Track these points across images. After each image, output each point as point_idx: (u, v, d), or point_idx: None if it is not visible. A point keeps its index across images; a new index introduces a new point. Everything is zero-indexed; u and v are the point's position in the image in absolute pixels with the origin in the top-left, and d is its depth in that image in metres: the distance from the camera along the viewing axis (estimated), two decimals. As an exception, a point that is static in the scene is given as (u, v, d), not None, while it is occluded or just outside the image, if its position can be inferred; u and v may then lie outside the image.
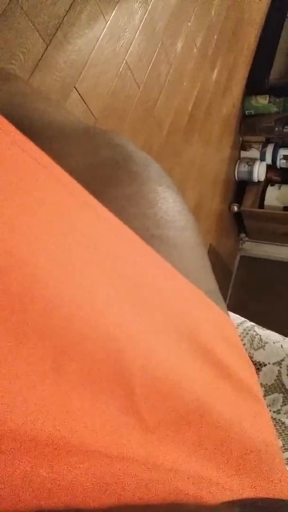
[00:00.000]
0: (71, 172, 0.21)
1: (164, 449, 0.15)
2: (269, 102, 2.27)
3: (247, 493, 0.17)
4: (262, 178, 2.39)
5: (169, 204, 0.23)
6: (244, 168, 2.39)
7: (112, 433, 0.13)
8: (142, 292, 0.17)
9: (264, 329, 0.68)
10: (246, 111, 2.35)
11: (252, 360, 0.62)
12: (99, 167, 0.22)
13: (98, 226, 0.17)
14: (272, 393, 0.60)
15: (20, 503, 0.11)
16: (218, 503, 0.15)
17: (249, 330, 0.66)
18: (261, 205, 2.42)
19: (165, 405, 0.15)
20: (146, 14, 1.40)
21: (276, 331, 0.68)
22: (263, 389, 0.61)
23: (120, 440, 0.13)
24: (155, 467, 0.14)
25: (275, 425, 0.57)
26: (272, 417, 0.58)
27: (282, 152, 2.36)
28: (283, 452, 0.54)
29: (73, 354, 0.13)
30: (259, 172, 2.35)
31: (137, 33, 1.37)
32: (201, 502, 0.14)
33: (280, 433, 0.56)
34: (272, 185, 2.44)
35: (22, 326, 0.12)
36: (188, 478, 0.15)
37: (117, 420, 0.13)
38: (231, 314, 0.70)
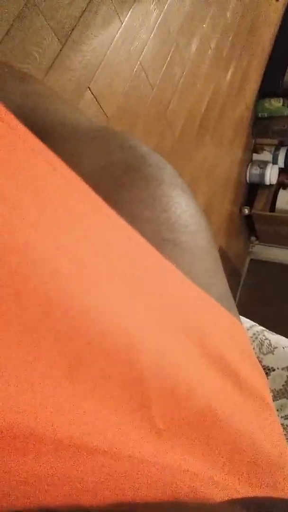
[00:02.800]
0: (84, 173, 0.21)
1: (173, 452, 0.15)
2: (283, 105, 2.26)
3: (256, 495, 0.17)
4: (274, 181, 2.37)
5: (183, 208, 0.23)
6: (256, 171, 2.37)
7: (122, 435, 0.13)
8: (157, 299, 0.17)
9: (274, 333, 0.67)
10: (259, 114, 2.34)
11: (261, 365, 0.62)
12: (112, 169, 0.22)
13: (112, 231, 0.17)
14: (281, 398, 0.59)
15: (29, 500, 0.11)
16: (221, 502, 0.15)
17: (259, 334, 0.66)
18: (273, 208, 2.40)
19: (177, 410, 0.15)
20: (161, 15, 1.40)
21: (285, 336, 0.67)
22: (272, 394, 0.60)
23: (130, 442, 0.13)
24: (164, 467, 0.14)
25: (284, 430, 0.56)
26: (280, 423, 0.57)
27: (295, 155, 2.34)
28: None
29: (89, 359, 0.13)
30: (271, 175, 2.34)
31: (152, 34, 1.38)
32: (207, 501, 0.14)
33: (288, 439, 0.55)
34: (284, 188, 2.42)
35: (42, 329, 0.12)
36: (196, 479, 0.15)
37: (128, 423, 0.13)
38: (241, 318, 0.70)
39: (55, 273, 0.13)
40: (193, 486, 0.15)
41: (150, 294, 0.17)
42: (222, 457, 0.17)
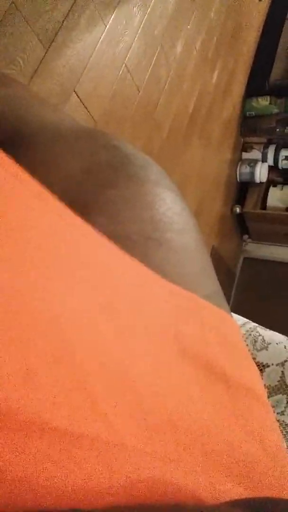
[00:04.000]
0: (68, 174, 0.21)
1: (144, 452, 0.15)
2: (270, 103, 2.27)
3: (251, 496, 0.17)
4: (264, 179, 2.38)
5: (168, 206, 0.22)
6: (245, 169, 2.38)
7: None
8: (122, 297, 0.17)
9: (267, 329, 0.67)
10: (247, 112, 2.35)
11: (255, 361, 0.61)
12: (96, 169, 0.22)
13: (71, 233, 0.17)
14: (276, 394, 0.59)
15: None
16: (218, 503, 0.14)
17: (252, 331, 0.66)
18: (264, 206, 2.41)
19: (136, 414, 0.15)
20: (145, 17, 1.41)
21: (279, 332, 0.67)
22: (267, 390, 0.60)
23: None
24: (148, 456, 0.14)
25: (279, 427, 0.56)
26: (277, 419, 0.57)
27: (284, 153, 2.36)
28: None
29: (41, 362, 0.13)
30: (261, 173, 2.35)
31: (136, 37, 1.38)
32: (200, 502, 0.14)
33: (284, 434, 0.55)
34: (274, 186, 2.43)
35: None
36: (187, 476, 0.15)
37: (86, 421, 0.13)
38: (234, 315, 0.70)
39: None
40: (182, 483, 0.14)
41: (118, 298, 0.17)
42: (203, 459, 0.16)
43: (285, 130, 2.28)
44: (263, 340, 0.64)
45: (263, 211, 2.39)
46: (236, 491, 0.17)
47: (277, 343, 0.63)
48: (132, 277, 0.18)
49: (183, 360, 0.18)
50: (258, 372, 0.23)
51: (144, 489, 0.13)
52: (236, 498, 0.16)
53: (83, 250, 0.17)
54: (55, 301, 0.14)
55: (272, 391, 0.60)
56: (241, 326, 0.67)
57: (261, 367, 0.61)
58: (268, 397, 0.60)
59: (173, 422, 0.16)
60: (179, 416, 0.16)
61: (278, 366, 0.60)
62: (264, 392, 0.22)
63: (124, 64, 1.34)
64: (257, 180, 2.36)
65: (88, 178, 0.21)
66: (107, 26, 1.24)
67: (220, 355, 0.20)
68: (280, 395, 0.59)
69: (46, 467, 0.11)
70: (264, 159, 2.40)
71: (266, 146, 2.41)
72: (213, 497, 0.15)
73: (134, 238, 0.20)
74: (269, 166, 2.41)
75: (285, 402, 0.58)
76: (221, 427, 0.18)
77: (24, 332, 0.13)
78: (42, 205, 0.16)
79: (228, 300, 0.24)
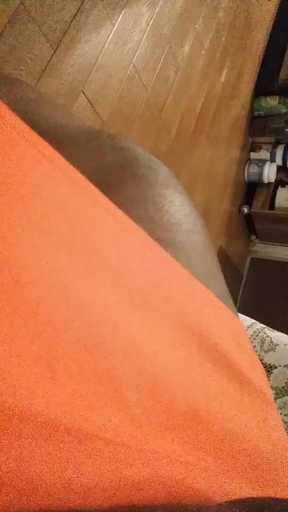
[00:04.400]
0: None
1: (162, 448, 0.15)
2: (279, 102, 2.26)
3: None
4: (272, 179, 2.37)
5: (176, 207, 0.22)
6: (254, 169, 2.37)
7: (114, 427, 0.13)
8: (146, 291, 0.17)
9: (275, 331, 0.67)
10: (256, 112, 2.34)
11: (262, 363, 0.61)
12: (105, 170, 0.22)
13: (105, 221, 0.17)
14: (283, 395, 0.59)
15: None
16: (219, 503, 0.14)
17: (259, 332, 0.65)
18: (272, 206, 2.40)
19: (158, 408, 0.15)
20: (153, 17, 1.41)
21: (287, 333, 0.67)
22: (274, 391, 0.60)
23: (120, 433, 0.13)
24: (159, 461, 0.14)
25: (286, 428, 0.56)
26: (283, 420, 0.57)
27: (293, 153, 2.34)
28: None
29: (65, 358, 0.13)
30: (269, 173, 2.34)
31: (144, 36, 1.38)
32: (202, 498, 0.14)
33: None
34: (282, 186, 2.42)
35: (17, 323, 0.12)
36: (194, 476, 0.15)
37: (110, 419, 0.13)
38: (241, 316, 0.69)
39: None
40: (192, 482, 0.14)
41: (146, 287, 0.17)
42: (212, 455, 0.16)
43: (294, 130, 2.26)
44: (271, 342, 0.63)
45: (271, 212, 2.38)
46: (248, 491, 0.17)
47: (284, 345, 0.62)
48: (161, 265, 0.19)
49: (206, 359, 0.18)
50: (265, 373, 0.23)
51: (159, 489, 0.13)
52: (236, 497, 0.16)
53: (107, 234, 0.17)
54: (83, 289, 0.14)
55: (279, 392, 0.59)
56: (248, 327, 0.67)
57: (268, 368, 0.61)
58: (275, 398, 0.59)
59: (193, 419, 0.16)
60: (200, 413, 0.16)
61: (285, 368, 0.60)
62: (271, 394, 0.22)
63: (132, 64, 1.34)
64: (265, 180, 2.35)
65: (97, 180, 0.21)
66: (115, 26, 1.24)
67: (234, 355, 0.20)
68: (287, 397, 0.58)
69: (62, 468, 0.12)
70: (272, 159, 2.38)
71: (274, 146, 2.39)
72: (224, 498, 0.15)
73: None
74: (277, 166, 2.40)
75: (292, 404, 0.57)
76: (240, 426, 0.18)
77: (48, 327, 0.13)
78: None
79: (235, 301, 0.24)
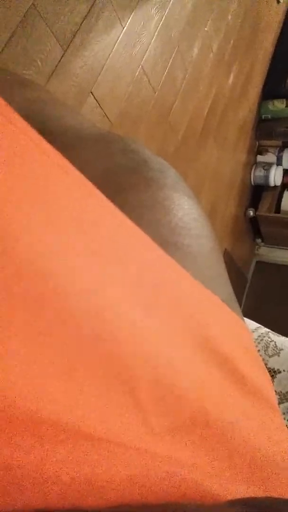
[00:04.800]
0: (86, 178, 0.21)
1: (171, 450, 0.15)
2: (287, 106, 2.25)
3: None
4: (278, 182, 2.36)
5: (185, 211, 0.22)
6: (260, 172, 2.37)
7: (121, 431, 0.13)
8: (158, 295, 0.17)
9: (279, 335, 0.67)
10: (263, 115, 2.34)
11: (266, 367, 0.61)
12: (114, 173, 0.22)
13: (108, 220, 0.17)
14: (287, 400, 0.58)
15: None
16: (220, 502, 0.15)
17: (264, 336, 0.65)
18: (278, 210, 2.39)
19: (170, 411, 0.15)
20: (163, 19, 1.41)
21: (291, 338, 0.66)
22: (278, 396, 0.59)
23: (127, 435, 0.14)
24: (166, 461, 0.14)
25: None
26: (287, 426, 0.56)
27: (299, 156, 2.33)
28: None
29: (82, 361, 0.13)
30: (276, 176, 2.33)
31: (153, 39, 1.38)
32: (211, 499, 0.14)
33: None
34: (288, 189, 2.41)
35: (43, 328, 0.12)
36: (200, 475, 0.15)
37: (121, 421, 0.14)
38: (246, 320, 0.69)
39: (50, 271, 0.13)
40: (197, 481, 0.15)
41: (154, 291, 0.17)
42: (219, 458, 0.16)
43: (301, 133, 2.26)
44: (275, 346, 0.63)
45: (277, 215, 2.37)
46: (252, 493, 0.17)
47: (289, 349, 0.62)
48: (170, 272, 0.19)
49: (212, 363, 0.18)
50: (270, 378, 0.23)
51: (170, 489, 0.13)
52: (238, 497, 0.16)
53: (115, 237, 0.17)
54: (99, 291, 0.14)
55: (283, 397, 0.59)
56: (253, 331, 0.66)
57: (273, 373, 0.61)
58: (279, 403, 0.59)
59: (203, 423, 0.16)
60: (209, 418, 0.16)
61: (289, 373, 0.60)
62: (275, 398, 0.22)
63: (140, 66, 1.34)
64: (272, 183, 2.34)
65: (106, 182, 0.21)
66: (125, 28, 1.24)
67: (240, 359, 0.20)
68: (291, 402, 0.58)
69: (79, 469, 0.12)
70: (279, 163, 2.37)
71: (281, 149, 2.39)
72: (230, 497, 0.15)
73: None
74: (284, 169, 2.39)
75: (296, 409, 0.57)
76: (245, 430, 0.18)
77: (65, 330, 0.13)
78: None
79: (239, 304, 0.24)
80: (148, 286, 0.17)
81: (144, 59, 1.35)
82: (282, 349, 0.62)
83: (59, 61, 1.05)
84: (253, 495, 0.17)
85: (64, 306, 0.13)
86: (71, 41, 1.07)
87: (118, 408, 0.13)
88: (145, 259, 0.18)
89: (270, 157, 2.40)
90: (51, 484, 0.11)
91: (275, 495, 0.18)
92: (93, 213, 0.16)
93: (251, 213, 2.40)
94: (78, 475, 0.12)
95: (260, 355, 0.62)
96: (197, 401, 0.16)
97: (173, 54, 1.51)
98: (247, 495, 0.16)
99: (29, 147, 0.16)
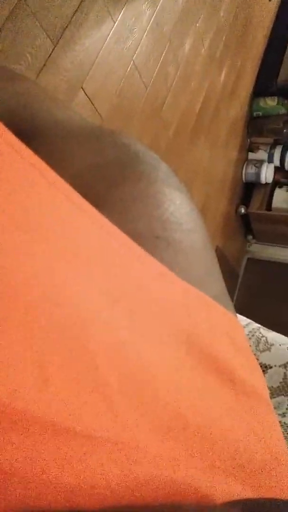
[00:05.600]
0: (77, 171, 0.21)
1: (154, 452, 0.14)
2: (278, 103, 2.26)
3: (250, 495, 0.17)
4: (270, 180, 2.37)
5: (176, 206, 0.22)
6: (251, 169, 2.38)
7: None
8: (136, 296, 0.17)
9: (270, 331, 0.67)
10: (254, 113, 2.34)
11: (257, 362, 0.61)
12: (105, 167, 0.22)
13: (91, 229, 0.17)
14: (278, 395, 0.59)
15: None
16: (217, 503, 0.14)
17: (255, 332, 0.65)
18: (269, 207, 2.40)
19: (148, 413, 0.15)
20: (154, 15, 1.40)
21: (282, 333, 0.67)
22: (269, 391, 0.60)
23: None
24: (159, 461, 0.14)
25: (282, 429, 0.56)
26: (278, 420, 0.57)
27: (290, 154, 2.35)
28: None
29: (56, 362, 0.13)
30: (267, 174, 2.34)
31: (145, 34, 1.38)
32: (207, 501, 0.14)
33: (285, 436, 0.55)
34: (280, 187, 2.42)
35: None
36: (196, 477, 0.15)
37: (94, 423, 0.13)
38: (237, 315, 0.69)
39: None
40: (184, 480, 0.14)
41: (132, 292, 0.17)
42: (208, 458, 0.16)
43: (292, 131, 2.27)
44: (266, 341, 0.63)
45: (268, 212, 2.38)
46: (243, 492, 0.17)
47: (280, 345, 0.63)
48: (148, 272, 0.18)
49: (194, 360, 0.18)
50: (262, 373, 0.23)
51: (156, 489, 0.13)
52: (238, 498, 0.16)
53: (96, 243, 0.17)
54: (74, 298, 0.14)
55: (274, 392, 0.59)
56: (244, 327, 0.67)
57: (264, 368, 0.61)
58: (270, 398, 0.60)
59: (185, 422, 0.16)
60: (191, 416, 0.16)
61: (281, 368, 0.60)
62: (267, 394, 0.22)
63: (132, 61, 1.34)
64: (263, 180, 2.35)
65: (97, 176, 0.21)
66: (116, 23, 1.24)
67: (228, 356, 0.20)
68: (282, 397, 0.58)
69: (55, 467, 0.12)
70: (270, 160, 2.39)
71: (272, 146, 2.40)
72: (222, 498, 0.15)
73: (143, 236, 0.20)
74: (275, 167, 2.40)
75: (287, 403, 0.58)
76: (229, 428, 0.18)
77: (41, 333, 0.13)
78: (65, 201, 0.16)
79: (231, 301, 0.24)
80: (128, 289, 0.17)
81: (135, 54, 1.35)
82: (273, 344, 0.63)
83: (49, 55, 1.04)
84: (245, 495, 0.17)
85: (33, 299, 0.13)
86: (61, 36, 1.06)
87: (96, 408, 0.13)
88: (125, 265, 0.18)
89: (262, 155, 2.41)
90: (38, 482, 0.11)
91: (267, 494, 0.18)
92: (66, 218, 0.16)
93: (243, 210, 2.41)
94: (68, 471, 0.11)
95: (252, 351, 0.62)
96: (174, 402, 0.16)
97: (165, 50, 1.50)
98: (238, 495, 0.16)
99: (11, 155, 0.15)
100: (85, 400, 0.13)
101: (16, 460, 0.11)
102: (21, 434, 0.11)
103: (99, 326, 0.14)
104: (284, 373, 0.60)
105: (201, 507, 0.14)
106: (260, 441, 0.19)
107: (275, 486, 0.19)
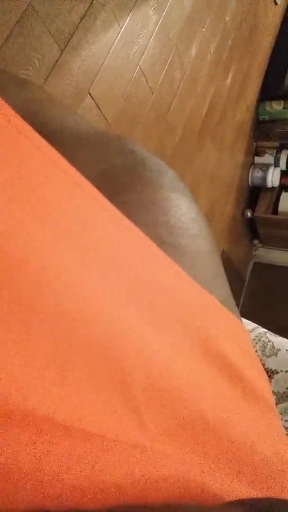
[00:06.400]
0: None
1: (167, 452, 0.15)
2: (284, 107, 2.26)
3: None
4: (276, 184, 2.37)
5: (183, 211, 0.22)
6: (258, 173, 2.37)
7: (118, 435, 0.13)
8: (154, 297, 0.17)
9: (277, 336, 0.67)
10: (260, 117, 2.34)
11: (263, 367, 0.61)
12: (111, 173, 0.22)
13: (110, 226, 0.17)
14: (284, 401, 0.58)
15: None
16: (220, 503, 0.14)
17: (261, 336, 0.65)
18: (275, 211, 2.39)
19: (167, 413, 0.15)
20: (160, 20, 1.41)
21: (289, 338, 0.66)
22: (275, 397, 0.59)
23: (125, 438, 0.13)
24: (168, 462, 0.14)
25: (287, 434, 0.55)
26: (284, 426, 0.56)
27: (297, 158, 2.34)
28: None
29: (77, 360, 0.13)
30: (273, 178, 2.33)
31: (151, 39, 1.38)
32: (214, 500, 0.14)
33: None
34: (286, 191, 2.41)
35: (30, 326, 0.12)
36: (204, 476, 0.15)
37: (118, 426, 0.13)
38: (243, 320, 0.69)
39: (43, 273, 0.13)
40: (196, 480, 0.14)
41: (150, 293, 0.17)
42: (218, 459, 0.16)
43: (299, 135, 2.26)
44: (273, 346, 0.63)
45: (275, 216, 2.37)
46: (250, 492, 0.17)
47: (286, 350, 0.62)
48: (168, 274, 0.19)
49: (210, 362, 0.18)
50: (267, 379, 0.23)
51: (166, 488, 0.13)
52: (245, 497, 0.16)
53: (117, 243, 0.17)
54: (93, 291, 0.14)
55: (280, 398, 0.59)
56: (250, 332, 0.66)
57: (270, 373, 0.61)
58: (276, 404, 0.59)
59: (205, 423, 0.16)
60: (211, 418, 0.16)
61: (287, 373, 0.60)
62: (272, 399, 0.22)
63: (138, 66, 1.34)
64: (269, 184, 2.35)
65: (104, 182, 0.21)
66: (123, 28, 1.24)
67: (238, 361, 0.20)
68: (288, 403, 0.58)
69: (69, 467, 0.12)
70: (276, 164, 2.38)
71: (279, 150, 2.39)
72: (230, 497, 0.15)
73: None
74: (281, 171, 2.39)
75: (293, 409, 0.57)
76: (243, 432, 0.18)
77: (60, 329, 0.13)
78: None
79: (237, 305, 0.25)
80: (146, 288, 0.17)
81: (142, 59, 1.35)
82: (279, 350, 0.62)
83: (57, 61, 1.05)
84: (253, 496, 0.17)
85: (57, 306, 0.13)
86: (68, 41, 1.07)
87: (113, 409, 0.13)
88: (143, 262, 0.18)
89: (268, 159, 2.41)
90: (50, 482, 0.11)
91: (274, 496, 0.18)
92: (86, 214, 0.16)
93: (249, 214, 2.41)
94: (78, 473, 0.11)
95: (258, 356, 0.62)
96: (194, 402, 0.16)
97: (171, 55, 1.51)
98: (247, 496, 0.16)
99: (23, 143, 0.15)
100: (107, 401, 0.13)
101: (25, 459, 0.11)
102: (31, 433, 0.11)
103: (121, 325, 0.15)
104: (291, 378, 0.59)
105: (209, 506, 0.14)
106: (269, 444, 0.19)
107: (283, 488, 0.19)
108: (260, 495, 0.17)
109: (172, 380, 0.15)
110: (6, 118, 0.15)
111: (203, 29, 1.69)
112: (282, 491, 0.19)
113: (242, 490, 0.17)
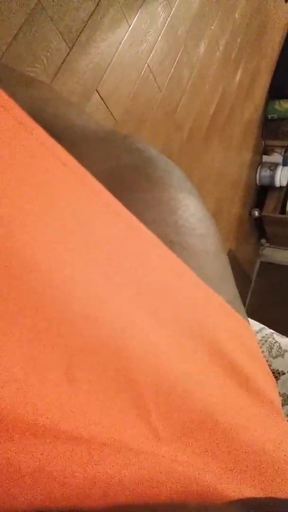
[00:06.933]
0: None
1: (177, 453, 0.15)
2: (293, 106, 2.24)
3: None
4: (284, 183, 2.35)
5: (190, 211, 0.22)
6: (266, 172, 2.35)
7: (120, 433, 0.13)
8: (160, 298, 0.17)
9: (284, 336, 0.66)
10: (269, 115, 2.33)
11: (270, 368, 0.60)
12: (119, 172, 0.22)
13: (117, 226, 0.17)
14: (291, 403, 0.58)
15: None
16: (222, 502, 0.14)
17: (268, 337, 0.65)
18: (283, 210, 2.38)
19: (174, 413, 0.15)
20: (169, 17, 1.40)
21: (295, 339, 0.66)
22: (281, 398, 0.59)
23: (132, 440, 0.13)
24: (172, 463, 0.14)
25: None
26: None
27: (306, 157, 2.32)
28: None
29: (84, 361, 0.13)
30: (281, 177, 2.32)
31: (160, 37, 1.38)
32: (218, 499, 0.14)
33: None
34: (294, 190, 2.39)
35: (35, 322, 0.12)
36: (208, 476, 0.15)
37: (126, 425, 0.13)
38: (250, 321, 0.69)
39: (49, 274, 0.13)
40: (203, 481, 0.14)
41: (156, 293, 0.17)
42: (224, 460, 0.16)
43: (308, 133, 2.24)
44: (279, 347, 0.62)
45: (283, 216, 2.36)
46: (254, 492, 0.17)
47: (293, 351, 0.62)
48: (175, 271, 0.19)
49: (215, 363, 0.18)
50: (274, 380, 0.23)
51: (171, 489, 0.13)
52: (249, 496, 0.16)
53: (122, 244, 0.17)
54: (103, 294, 0.14)
55: (286, 399, 0.59)
56: (257, 332, 0.66)
57: (277, 374, 0.60)
58: (282, 405, 0.59)
59: (208, 427, 0.16)
60: (214, 421, 0.16)
61: (293, 374, 0.59)
62: (278, 401, 0.22)
63: (146, 64, 1.34)
64: (277, 184, 2.33)
65: (112, 181, 0.21)
66: (131, 26, 1.24)
67: (245, 362, 0.20)
68: (295, 404, 0.57)
69: (73, 470, 0.12)
70: (285, 163, 2.36)
71: (287, 149, 2.37)
72: (234, 496, 0.15)
73: None
74: (289, 170, 2.38)
75: (299, 411, 0.57)
76: (250, 434, 0.18)
77: (68, 331, 0.12)
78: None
79: (243, 305, 0.25)
80: (153, 289, 0.17)
81: (150, 57, 1.35)
82: (286, 351, 0.62)
83: (65, 58, 1.05)
84: (256, 495, 0.17)
85: (64, 311, 0.13)
86: (77, 39, 1.07)
87: (122, 412, 0.13)
88: (150, 263, 0.18)
89: (276, 157, 2.39)
90: (54, 483, 0.11)
91: (279, 496, 0.18)
92: (93, 215, 0.16)
93: (256, 213, 2.39)
94: (82, 475, 0.11)
95: (264, 356, 0.62)
96: (202, 404, 0.16)
97: (180, 53, 1.50)
98: (249, 494, 0.16)
99: (33, 144, 0.15)
100: (114, 402, 0.13)
101: (27, 462, 0.11)
102: (34, 439, 0.11)
103: (130, 328, 0.14)
104: (298, 380, 0.59)
105: (215, 507, 0.14)
106: (277, 447, 0.19)
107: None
108: (268, 495, 0.17)
109: (181, 383, 0.15)
110: (17, 119, 0.15)
111: (212, 27, 1.68)
112: (286, 491, 0.18)
113: (249, 491, 0.17)
